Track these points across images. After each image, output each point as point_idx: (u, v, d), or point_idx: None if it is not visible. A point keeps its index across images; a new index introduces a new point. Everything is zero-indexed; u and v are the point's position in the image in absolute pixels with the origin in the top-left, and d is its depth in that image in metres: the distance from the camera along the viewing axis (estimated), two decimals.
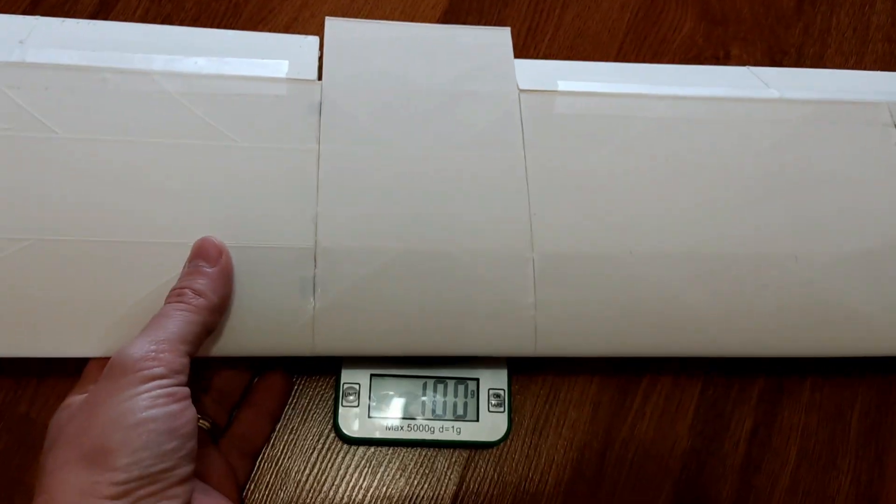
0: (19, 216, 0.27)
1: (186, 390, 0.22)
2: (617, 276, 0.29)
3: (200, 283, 0.25)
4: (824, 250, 0.30)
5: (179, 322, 0.23)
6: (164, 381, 0.22)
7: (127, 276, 0.27)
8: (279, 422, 0.30)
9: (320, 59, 0.32)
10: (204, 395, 0.28)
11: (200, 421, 0.27)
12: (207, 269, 0.25)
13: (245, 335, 0.27)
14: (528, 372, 0.31)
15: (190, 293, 0.24)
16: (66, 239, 0.27)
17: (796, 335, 0.29)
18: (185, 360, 0.23)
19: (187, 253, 0.27)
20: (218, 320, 0.25)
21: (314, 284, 0.27)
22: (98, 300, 0.26)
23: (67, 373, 0.27)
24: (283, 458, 0.29)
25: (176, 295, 0.24)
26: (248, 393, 0.29)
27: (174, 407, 0.22)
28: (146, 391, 0.21)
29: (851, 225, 0.31)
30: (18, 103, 0.28)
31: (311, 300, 0.27)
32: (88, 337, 0.26)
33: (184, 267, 0.26)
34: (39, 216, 0.27)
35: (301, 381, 0.30)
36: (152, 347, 0.22)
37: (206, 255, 0.26)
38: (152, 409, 0.21)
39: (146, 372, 0.22)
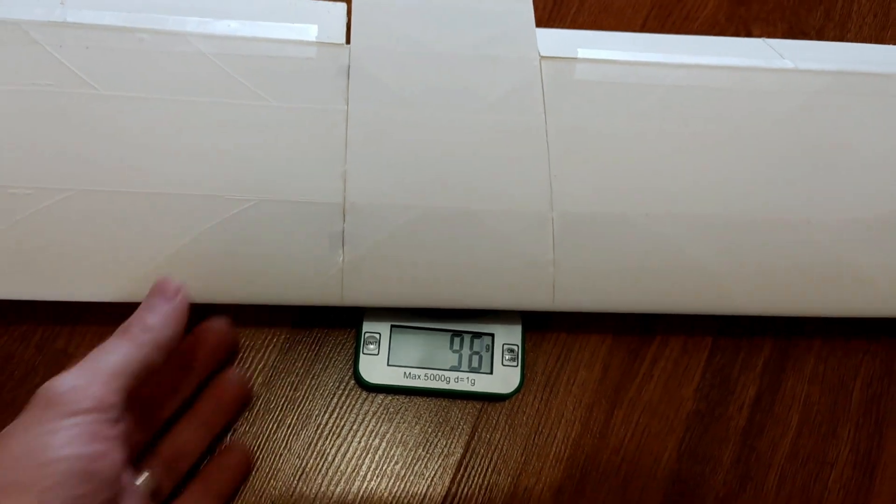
0: (62, 167, 0.28)
1: (115, 430, 0.21)
2: (632, 237, 0.30)
3: (151, 319, 0.24)
4: (837, 216, 0.31)
5: (118, 356, 0.22)
6: (90, 417, 0.20)
7: (162, 227, 0.28)
8: None
9: (348, 24, 0.33)
10: (153, 458, 0.26)
11: (145, 479, 0.25)
12: (162, 306, 0.24)
13: (278, 285, 0.28)
14: (541, 329, 0.32)
15: (137, 329, 0.23)
16: (105, 190, 0.28)
17: (807, 296, 0.30)
18: (117, 398, 0.21)
19: (221, 206, 0.28)
20: (163, 358, 0.24)
21: (343, 238, 0.28)
22: (134, 248, 0.28)
23: (105, 313, 0.29)
24: (305, 402, 0.31)
25: (122, 329, 0.24)
26: (203, 465, 0.27)
27: (96, 447, 0.20)
28: (66, 427, 0.20)
29: (863, 192, 0.32)
30: (62, 61, 0.30)
31: (340, 253, 0.28)
32: (125, 282, 0.27)
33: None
34: (81, 168, 0.28)
35: (323, 332, 0.32)
36: (81, 381, 0.21)
37: (163, 292, 0.25)
38: (69, 446, 0.19)
39: (70, 406, 0.20)
